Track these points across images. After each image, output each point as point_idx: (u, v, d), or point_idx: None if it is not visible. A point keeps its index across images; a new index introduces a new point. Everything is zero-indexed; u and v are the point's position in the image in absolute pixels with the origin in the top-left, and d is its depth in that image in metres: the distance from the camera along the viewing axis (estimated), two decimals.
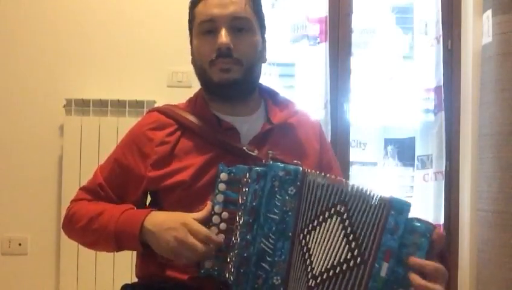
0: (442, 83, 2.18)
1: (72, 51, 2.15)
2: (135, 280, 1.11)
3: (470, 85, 2.16)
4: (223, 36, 1.03)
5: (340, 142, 2.19)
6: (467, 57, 2.19)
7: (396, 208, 0.85)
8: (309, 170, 0.91)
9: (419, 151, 2.23)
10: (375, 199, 0.86)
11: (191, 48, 1.13)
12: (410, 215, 0.85)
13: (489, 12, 2.01)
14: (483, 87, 2.06)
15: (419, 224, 0.84)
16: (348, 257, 0.85)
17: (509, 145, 1.92)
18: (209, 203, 0.94)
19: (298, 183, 0.89)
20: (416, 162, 2.23)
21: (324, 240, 0.87)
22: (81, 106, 2.10)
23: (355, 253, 0.85)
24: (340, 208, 0.87)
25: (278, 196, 0.89)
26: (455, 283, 2.20)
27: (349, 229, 0.86)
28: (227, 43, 1.03)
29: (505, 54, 1.94)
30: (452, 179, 2.23)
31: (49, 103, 2.12)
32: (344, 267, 0.85)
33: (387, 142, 2.26)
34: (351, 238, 0.86)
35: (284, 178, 0.89)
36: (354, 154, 2.23)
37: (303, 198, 0.89)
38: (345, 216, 0.87)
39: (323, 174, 0.90)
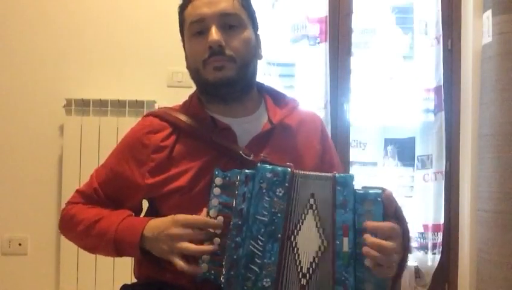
0: (442, 83, 2.17)
1: (72, 51, 2.16)
2: (135, 280, 1.11)
3: (470, 85, 2.16)
4: (214, 34, 1.01)
5: (340, 142, 2.19)
6: (467, 57, 2.18)
7: (340, 182, 0.88)
8: (299, 171, 0.91)
9: (419, 151, 2.22)
10: (326, 181, 0.89)
11: (185, 53, 1.11)
12: (359, 186, 0.89)
13: (489, 13, 2.00)
14: (483, 87, 2.05)
15: (368, 192, 0.87)
16: (319, 244, 0.88)
17: (509, 145, 1.91)
18: (205, 209, 0.93)
19: (286, 184, 0.89)
20: (416, 162, 2.22)
21: (306, 237, 0.88)
22: (81, 106, 2.10)
23: (323, 238, 0.87)
24: (312, 201, 0.89)
25: (266, 198, 0.89)
26: (455, 282, 2.20)
27: (317, 218, 0.89)
28: (218, 40, 1.01)
29: (505, 54, 1.94)
30: (452, 179, 2.22)
31: (49, 103, 2.13)
32: (319, 255, 0.87)
33: (387, 142, 2.26)
34: (319, 225, 0.88)
35: (272, 180, 0.89)
36: (354, 154, 2.23)
37: (291, 199, 0.89)
38: (313, 207, 0.89)
39: (314, 173, 0.90)
